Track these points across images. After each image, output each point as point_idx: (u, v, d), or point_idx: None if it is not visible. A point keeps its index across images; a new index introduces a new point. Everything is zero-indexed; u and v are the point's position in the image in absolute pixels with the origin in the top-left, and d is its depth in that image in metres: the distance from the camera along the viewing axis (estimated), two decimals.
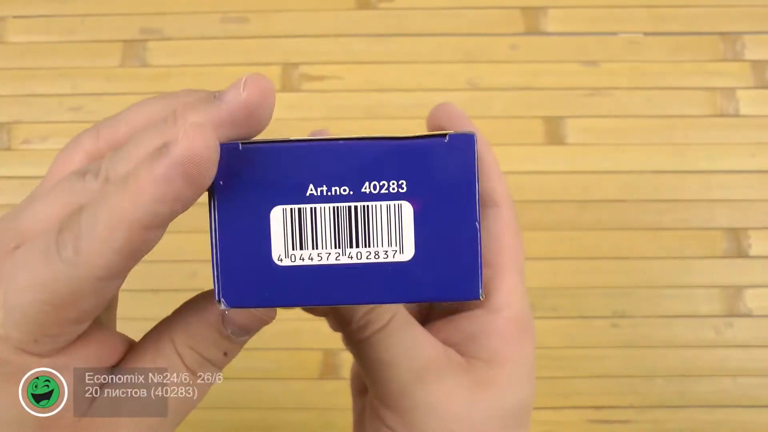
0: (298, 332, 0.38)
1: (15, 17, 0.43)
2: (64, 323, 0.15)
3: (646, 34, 0.42)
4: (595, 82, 0.41)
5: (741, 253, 0.38)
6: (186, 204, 0.15)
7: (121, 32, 0.42)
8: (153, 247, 0.16)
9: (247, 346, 0.39)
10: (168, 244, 0.41)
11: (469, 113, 0.41)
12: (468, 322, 0.21)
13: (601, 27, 0.42)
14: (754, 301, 0.38)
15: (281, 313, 0.39)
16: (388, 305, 0.19)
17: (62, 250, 0.14)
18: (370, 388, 0.21)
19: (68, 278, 0.14)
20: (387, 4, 0.42)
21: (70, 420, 0.16)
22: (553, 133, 0.40)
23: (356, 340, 0.20)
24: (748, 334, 0.37)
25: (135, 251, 0.15)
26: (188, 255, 0.39)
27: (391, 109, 0.40)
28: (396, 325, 0.19)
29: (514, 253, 0.22)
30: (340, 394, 0.37)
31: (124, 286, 0.36)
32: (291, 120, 0.41)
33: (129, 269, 0.16)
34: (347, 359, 0.38)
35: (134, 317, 0.39)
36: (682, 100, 0.40)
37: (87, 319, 0.16)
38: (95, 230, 0.14)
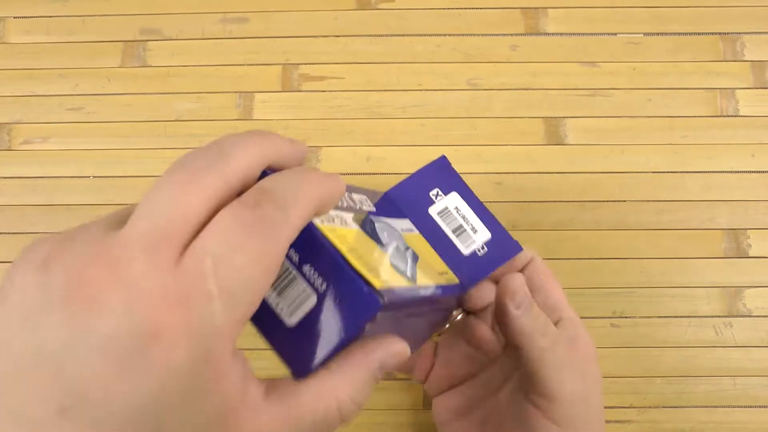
0: None
1: (16, 18, 0.43)
2: (260, 298, 0.17)
3: (646, 34, 0.42)
4: (595, 82, 0.41)
5: (741, 253, 0.38)
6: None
7: (122, 33, 0.42)
8: None
9: (247, 346, 0.39)
10: None
11: (469, 113, 0.42)
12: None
13: (601, 27, 0.42)
14: (754, 301, 0.38)
15: None
16: None
17: (267, 218, 0.17)
18: (547, 387, 0.26)
19: (277, 244, 0.17)
20: (387, 4, 0.42)
21: None
22: (553, 133, 0.40)
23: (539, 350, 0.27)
24: (748, 334, 0.37)
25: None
26: None
27: (391, 109, 0.41)
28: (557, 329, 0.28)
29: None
30: None
31: None
32: (291, 120, 0.41)
33: None
34: None
35: None
36: (682, 100, 0.40)
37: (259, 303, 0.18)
38: (297, 199, 0.18)
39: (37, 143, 0.41)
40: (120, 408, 0.15)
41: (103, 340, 0.15)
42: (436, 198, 0.29)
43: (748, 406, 0.36)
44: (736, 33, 0.41)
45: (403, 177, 0.40)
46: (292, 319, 0.19)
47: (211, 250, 0.16)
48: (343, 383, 0.19)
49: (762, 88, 0.40)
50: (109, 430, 0.15)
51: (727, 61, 0.41)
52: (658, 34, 0.41)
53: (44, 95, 0.41)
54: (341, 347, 0.19)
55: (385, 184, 0.39)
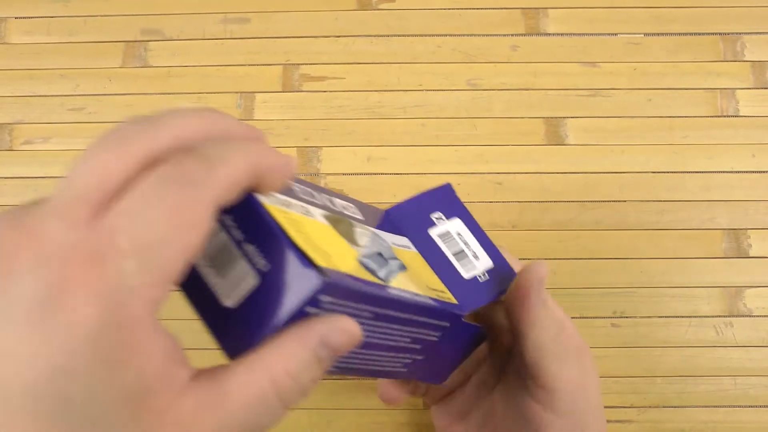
0: None
1: (17, 18, 0.43)
2: (187, 258, 0.16)
3: (646, 34, 0.42)
4: (595, 82, 0.41)
5: (741, 253, 0.38)
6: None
7: (123, 33, 0.42)
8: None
9: None
10: None
11: (469, 113, 0.42)
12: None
13: (601, 27, 0.42)
14: (754, 301, 0.38)
15: None
16: None
17: (190, 174, 0.16)
18: (545, 377, 0.26)
19: (198, 201, 0.16)
20: (387, 4, 0.42)
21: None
22: (553, 133, 0.40)
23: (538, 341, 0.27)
24: (748, 334, 0.37)
25: (234, 195, 0.17)
26: None
27: (392, 109, 0.41)
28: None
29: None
30: (341, 394, 0.37)
31: None
32: (292, 120, 0.41)
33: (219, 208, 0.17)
34: None
35: None
36: (682, 100, 0.40)
37: (183, 266, 0.16)
38: (224, 163, 0.16)
39: (38, 143, 0.41)
40: (24, 377, 0.14)
41: (11, 304, 0.14)
42: (437, 221, 0.28)
43: (749, 406, 0.36)
44: (736, 33, 0.41)
45: (403, 176, 0.40)
46: (230, 300, 0.18)
47: (126, 207, 0.15)
48: (277, 358, 0.17)
49: (762, 88, 0.40)
50: (8, 401, 0.14)
51: (727, 61, 0.41)
52: (658, 34, 0.42)
53: (45, 95, 0.41)
54: (279, 329, 0.18)
55: (386, 184, 0.40)
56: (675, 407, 0.37)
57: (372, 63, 0.41)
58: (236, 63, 0.42)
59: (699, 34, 0.41)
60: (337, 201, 0.24)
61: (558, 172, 0.40)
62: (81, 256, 0.15)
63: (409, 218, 0.28)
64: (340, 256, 0.20)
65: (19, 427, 0.14)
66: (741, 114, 0.40)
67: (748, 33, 0.41)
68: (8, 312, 0.14)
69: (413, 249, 0.27)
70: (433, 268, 0.26)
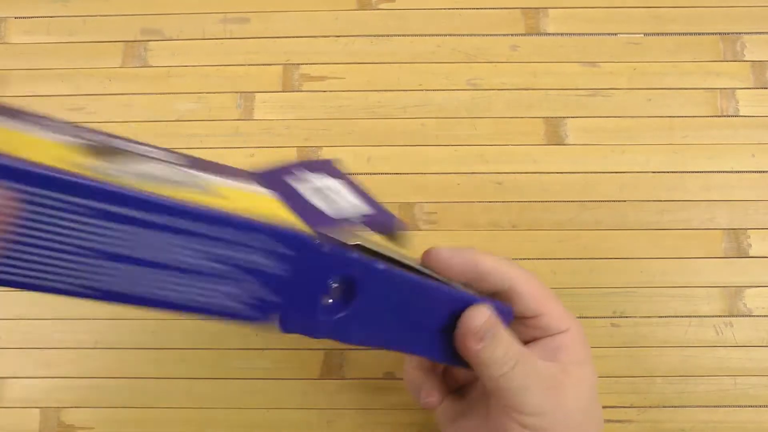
0: None
1: (16, 18, 0.43)
2: None
3: (646, 34, 0.42)
4: (595, 82, 0.41)
5: (741, 253, 0.38)
6: None
7: (122, 33, 0.42)
8: None
9: (247, 345, 0.39)
10: None
11: (469, 113, 0.42)
12: (542, 343, 0.29)
13: (601, 27, 0.42)
14: (754, 301, 0.38)
15: None
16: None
17: None
18: (516, 404, 0.27)
19: None
20: (387, 4, 0.42)
21: None
22: (553, 133, 0.40)
23: (499, 378, 0.27)
24: (748, 334, 0.37)
25: None
26: None
27: (392, 109, 0.41)
28: (524, 356, 0.27)
29: (551, 298, 0.29)
30: (341, 393, 0.37)
31: None
32: (292, 120, 0.41)
33: None
34: (348, 359, 0.38)
35: (136, 317, 0.40)
36: (682, 100, 0.40)
37: None
38: None
39: None
40: None
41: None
42: (313, 179, 0.25)
43: (749, 406, 0.37)
44: (736, 33, 0.41)
45: (403, 176, 0.40)
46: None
47: None
48: None
49: (762, 88, 0.40)
50: None
51: (727, 61, 0.41)
52: (658, 34, 0.42)
53: (45, 95, 0.41)
54: None
55: (386, 184, 0.40)
56: (675, 407, 0.37)
57: (372, 63, 0.41)
58: (236, 63, 0.42)
59: (699, 34, 0.41)
60: (152, 149, 0.22)
61: (558, 172, 0.40)
62: None
63: (278, 176, 0.25)
64: (37, 154, 0.17)
65: None
66: (741, 114, 0.40)
67: (748, 33, 0.41)
68: None
69: (267, 194, 0.23)
70: (294, 211, 0.23)
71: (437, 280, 0.26)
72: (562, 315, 0.29)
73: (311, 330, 0.23)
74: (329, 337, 0.23)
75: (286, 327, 0.22)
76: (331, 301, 0.23)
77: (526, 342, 0.29)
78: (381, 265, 0.23)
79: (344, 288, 0.23)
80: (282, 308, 0.21)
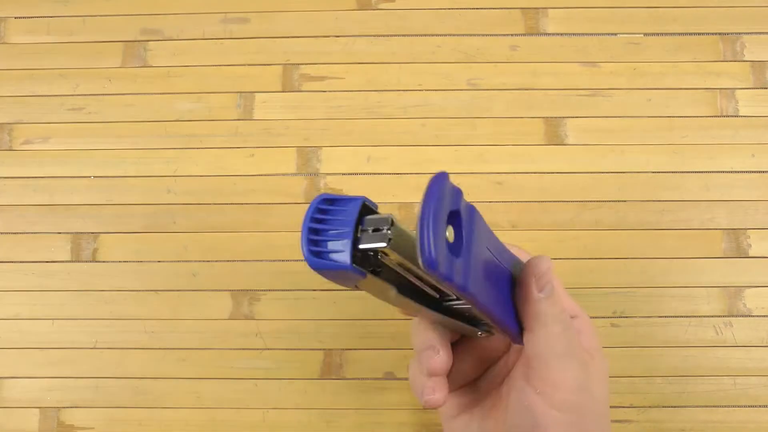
0: (299, 332, 0.38)
1: (16, 18, 0.43)
2: None
3: (646, 34, 0.42)
4: (595, 82, 0.41)
5: (741, 253, 0.38)
6: None
7: (122, 33, 0.42)
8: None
9: (247, 345, 0.39)
10: (169, 244, 0.41)
11: (469, 113, 0.42)
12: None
13: (601, 27, 0.42)
14: (754, 300, 0.38)
15: (283, 312, 0.39)
16: None
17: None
18: (553, 374, 0.27)
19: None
20: (387, 4, 0.42)
21: None
22: (553, 133, 0.40)
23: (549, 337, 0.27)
24: (748, 334, 0.37)
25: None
26: (188, 255, 0.39)
27: (392, 109, 0.41)
28: (569, 323, 0.27)
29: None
30: (341, 394, 0.37)
31: (126, 286, 0.37)
32: (291, 120, 0.41)
33: None
34: (348, 359, 0.38)
35: (136, 317, 0.40)
36: (682, 100, 0.40)
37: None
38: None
39: (37, 143, 0.41)
40: None
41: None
42: None
43: (749, 406, 0.37)
44: (736, 33, 0.41)
45: (404, 176, 0.40)
46: None
47: None
48: None
49: (762, 88, 0.40)
50: None
51: (727, 61, 0.41)
52: (658, 34, 0.42)
53: (45, 95, 0.41)
54: None
55: (386, 184, 0.40)
56: (675, 407, 0.37)
57: (372, 63, 0.41)
58: (236, 63, 0.42)
59: (699, 34, 0.41)
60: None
61: (558, 172, 0.40)
62: None
63: None
64: None
65: None
66: (741, 114, 0.40)
67: (748, 33, 0.41)
68: None
69: None
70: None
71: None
72: (572, 304, 0.29)
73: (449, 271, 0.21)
74: (459, 284, 0.21)
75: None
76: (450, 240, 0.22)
77: None
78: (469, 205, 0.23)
79: (454, 230, 0.22)
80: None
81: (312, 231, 0.21)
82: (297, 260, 0.38)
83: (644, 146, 0.40)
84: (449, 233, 0.21)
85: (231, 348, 0.38)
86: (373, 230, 0.21)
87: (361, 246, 0.21)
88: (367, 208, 0.22)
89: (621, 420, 0.36)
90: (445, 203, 0.20)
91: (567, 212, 0.39)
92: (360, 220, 0.21)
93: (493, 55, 0.41)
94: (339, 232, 0.21)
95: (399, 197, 0.39)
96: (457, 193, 0.21)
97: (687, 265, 0.38)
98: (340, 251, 0.21)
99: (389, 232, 0.21)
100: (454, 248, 0.21)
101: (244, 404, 0.37)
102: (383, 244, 0.21)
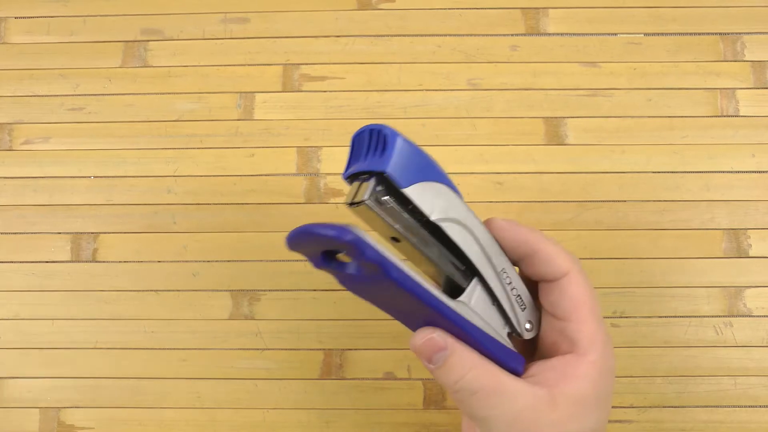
0: (299, 332, 0.38)
1: (16, 18, 0.43)
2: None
3: (646, 34, 0.42)
4: (595, 82, 0.41)
5: (741, 253, 0.38)
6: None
7: (122, 33, 0.42)
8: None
9: (247, 345, 0.39)
10: (169, 244, 0.41)
11: (469, 113, 0.42)
12: (560, 363, 0.26)
13: (601, 27, 0.42)
14: (754, 300, 0.38)
15: (283, 312, 0.39)
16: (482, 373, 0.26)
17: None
18: (479, 428, 0.26)
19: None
20: (387, 4, 0.42)
21: None
22: (553, 133, 0.40)
23: (457, 401, 0.26)
24: (748, 334, 0.37)
25: None
26: (189, 255, 0.39)
27: (391, 109, 0.41)
28: (488, 386, 0.25)
29: (588, 306, 0.26)
30: (341, 394, 0.37)
31: (126, 285, 0.37)
32: (292, 120, 0.41)
33: None
34: (348, 359, 0.38)
35: (136, 317, 0.40)
36: (682, 100, 0.40)
37: None
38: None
39: (37, 143, 0.41)
40: None
41: None
42: None
43: (749, 406, 0.37)
44: (736, 33, 0.41)
45: None
46: None
47: None
48: None
49: (762, 88, 0.40)
50: None
51: (727, 61, 0.41)
52: (658, 34, 0.42)
53: (45, 95, 0.41)
54: None
55: None
56: (675, 407, 0.37)
57: (372, 63, 0.41)
58: (236, 63, 0.42)
59: (699, 34, 0.41)
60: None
61: (558, 172, 0.40)
62: None
63: None
64: None
65: None
66: (741, 114, 0.40)
67: (748, 33, 0.41)
68: None
69: None
70: None
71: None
72: (593, 334, 0.26)
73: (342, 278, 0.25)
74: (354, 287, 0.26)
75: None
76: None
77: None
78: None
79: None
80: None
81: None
82: (297, 260, 0.38)
83: (644, 146, 0.40)
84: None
85: (231, 348, 0.38)
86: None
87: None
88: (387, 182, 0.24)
89: (621, 420, 0.36)
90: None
91: (567, 212, 0.39)
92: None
93: (493, 55, 0.41)
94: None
95: None
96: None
97: (687, 265, 0.38)
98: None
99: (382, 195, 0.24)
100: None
101: (244, 404, 0.37)
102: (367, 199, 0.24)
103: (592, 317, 0.26)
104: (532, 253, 0.26)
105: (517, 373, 0.26)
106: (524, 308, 0.27)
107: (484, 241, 0.26)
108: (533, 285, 0.28)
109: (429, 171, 0.25)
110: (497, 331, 0.27)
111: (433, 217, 0.25)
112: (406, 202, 0.24)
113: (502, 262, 0.27)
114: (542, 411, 0.25)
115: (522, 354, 0.27)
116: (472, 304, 0.26)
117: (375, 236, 0.24)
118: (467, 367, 0.25)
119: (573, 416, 0.25)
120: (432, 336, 0.25)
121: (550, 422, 0.25)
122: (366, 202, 0.24)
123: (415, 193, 0.24)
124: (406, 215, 0.25)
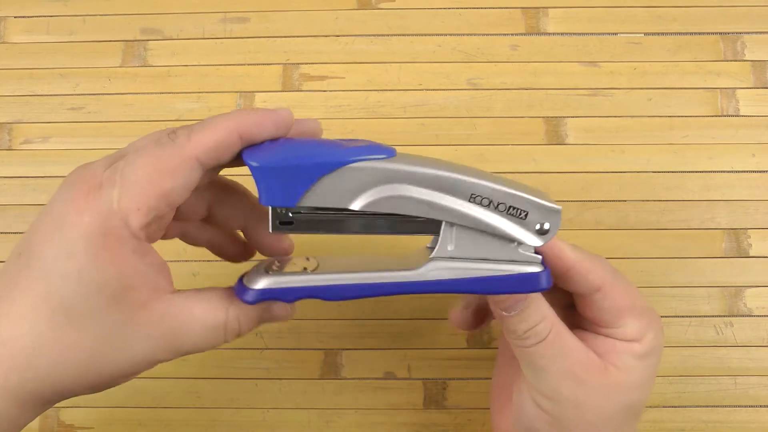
0: (299, 332, 0.38)
1: (16, 17, 0.43)
2: (163, 196, 0.22)
3: (646, 34, 0.42)
4: (595, 82, 0.41)
5: (741, 253, 0.38)
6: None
7: (122, 32, 0.42)
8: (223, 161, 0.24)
9: (247, 345, 0.39)
10: (168, 244, 0.41)
11: (469, 113, 0.42)
12: (609, 342, 0.28)
13: (601, 27, 0.42)
14: (754, 300, 0.38)
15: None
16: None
17: (174, 138, 0.23)
18: (530, 377, 0.27)
19: (175, 155, 0.23)
20: (387, 3, 0.42)
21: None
22: (553, 132, 0.40)
23: (519, 348, 0.27)
24: (748, 334, 0.37)
25: (219, 152, 0.23)
26: (188, 255, 0.39)
27: (391, 108, 0.41)
28: (552, 337, 0.26)
29: (627, 312, 0.27)
30: (341, 393, 0.37)
31: None
32: None
33: (208, 167, 0.24)
34: (348, 359, 0.38)
35: None
36: (682, 100, 0.40)
37: (176, 202, 0.23)
38: (202, 130, 0.23)
39: (37, 143, 0.41)
40: (49, 254, 0.22)
41: (51, 212, 0.23)
42: None
43: (749, 406, 0.37)
44: (737, 33, 0.41)
45: None
46: None
47: (128, 157, 0.23)
48: (237, 306, 0.26)
49: (762, 88, 0.40)
50: (42, 267, 0.22)
51: (727, 61, 0.41)
52: (658, 34, 0.42)
53: (45, 95, 0.41)
54: None
55: None
56: (675, 407, 0.37)
57: (372, 63, 0.41)
58: (236, 62, 0.42)
59: (699, 33, 0.41)
60: None
61: (558, 172, 0.39)
62: (93, 184, 0.22)
63: None
64: None
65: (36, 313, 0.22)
66: (741, 114, 0.40)
67: (748, 33, 0.41)
68: (47, 214, 0.23)
69: None
70: None
71: None
72: (642, 329, 0.28)
73: None
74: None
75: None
76: None
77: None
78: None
79: None
80: None
81: None
82: None
83: (644, 146, 0.40)
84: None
85: (231, 348, 0.38)
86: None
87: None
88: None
89: None
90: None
91: (567, 212, 0.39)
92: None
93: (494, 55, 0.41)
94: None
95: None
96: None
97: (687, 265, 0.38)
98: None
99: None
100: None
101: (244, 404, 0.37)
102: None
103: (635, 318, 0.27)
104: (564, 272, 0.27)
105: (540, 289, 0.26)
106: (525, 215, 0.25)
107: (427, 185, 0.24)
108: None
109: (313, 169, 0.23)
110: (501, 257, 0.25)
111: (352, 208, 0.23)
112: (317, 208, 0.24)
113: (467, 187, 0.25)
114: (593, 372, 0.26)
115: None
116: (451, 250, 0.25)
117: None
118: (540, 317, 0.26)
119: (619, 386, 0.27)
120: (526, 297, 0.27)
121: (599, 385, 0.26)
122: (280, 229, 0.26)
123: (313, 200, 0.23)
124: (328, 216, 0.25)
